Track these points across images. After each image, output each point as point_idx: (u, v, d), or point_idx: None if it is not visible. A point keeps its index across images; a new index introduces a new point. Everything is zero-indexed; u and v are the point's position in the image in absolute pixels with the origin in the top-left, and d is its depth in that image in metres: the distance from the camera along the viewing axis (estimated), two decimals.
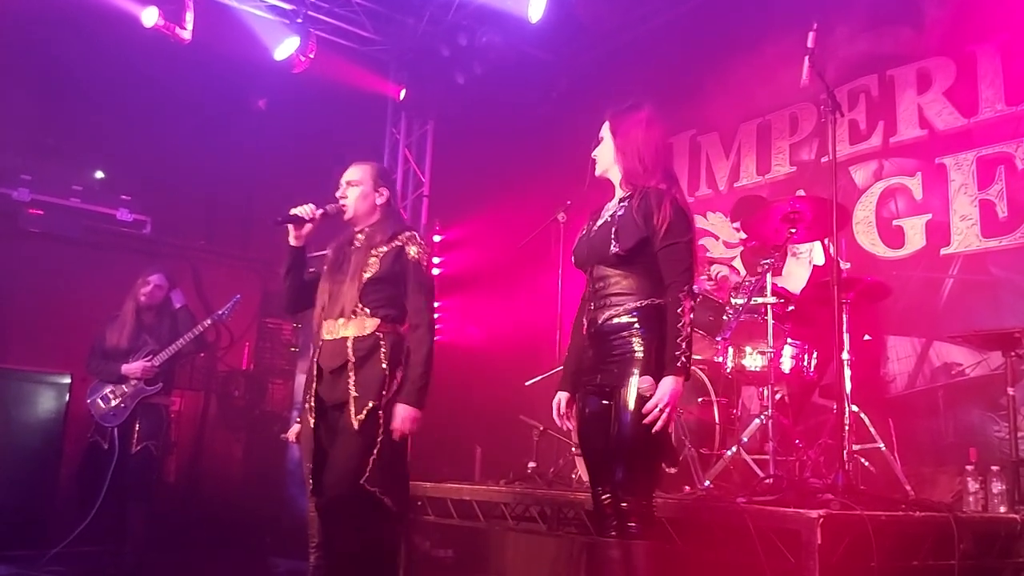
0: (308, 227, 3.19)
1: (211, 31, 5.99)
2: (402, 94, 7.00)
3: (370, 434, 2.96)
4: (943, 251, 4.71)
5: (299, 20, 6.27)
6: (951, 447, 4.31)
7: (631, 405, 2.53)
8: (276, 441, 7.11)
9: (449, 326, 7.43)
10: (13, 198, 6.17)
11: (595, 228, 2.80)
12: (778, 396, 3.91)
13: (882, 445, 3.81)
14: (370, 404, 2.96)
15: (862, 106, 5.23)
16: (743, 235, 4.95)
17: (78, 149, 6.52)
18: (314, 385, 3.10)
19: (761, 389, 4.07)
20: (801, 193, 5.10)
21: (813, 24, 3.87)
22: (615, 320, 2.65)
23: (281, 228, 3.24)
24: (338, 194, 3.26)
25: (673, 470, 3.77)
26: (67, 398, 6.04)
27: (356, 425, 2.95)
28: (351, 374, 3.01)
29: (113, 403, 4.80)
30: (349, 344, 3.04)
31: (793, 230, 3.95)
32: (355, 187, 3.23)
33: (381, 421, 2.97)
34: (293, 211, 3.17)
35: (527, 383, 5.09)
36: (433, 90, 6.95)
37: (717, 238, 5.85)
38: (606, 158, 2.82)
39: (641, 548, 2.51)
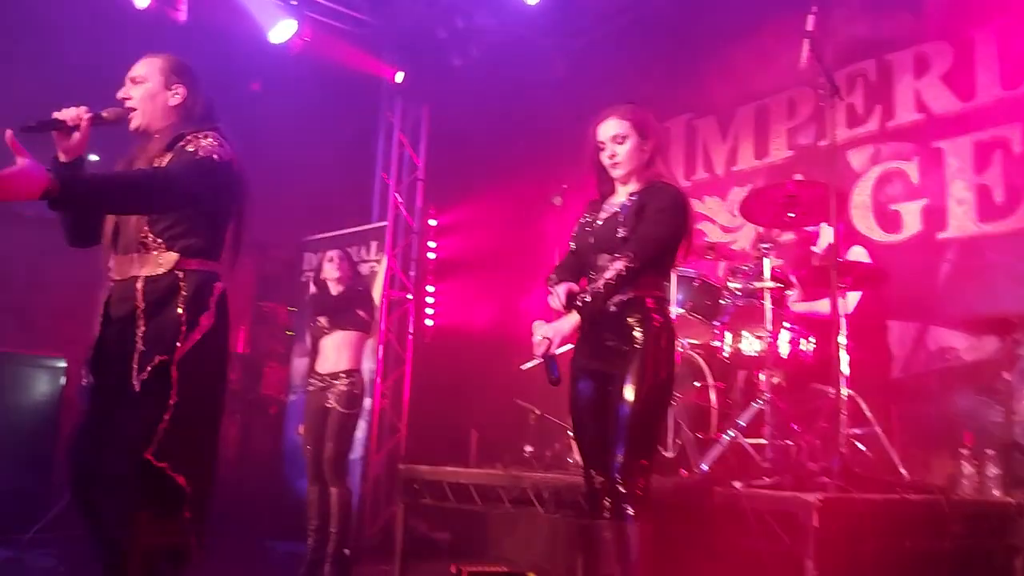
0: (76, 136, 2.49)
1: (206, 12, 5.94)
2: (399, 76, 6.96)
3: (158, 395, 2.36)
4: (939, 236, 4.71)
5: (294, 2, 6.22)
6: (946, 431, 4.32)
7: (630, 394, 2.59)
8: (272, 424, 7.13)
9: (445, 310, 7.43)
10: None
11: (600, 219, 2.84)
12: (775, 381, 3.92)
13: (878, 429, 3.82)
14: (157, 359, 2.37)
15: (860, 90, 5.22)
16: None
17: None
18: (97, 336, 2.52)
19: (758, 373, 4.08)
20: (799, 177, 5.09)
21: (813, 7, 3.85)
22: (614, 308, 2.70)
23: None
24: (120, 94, 2.62)
25: (670, 454, 3.78)
26: (62, 381, 6.05)
27: (138, 385, 2.37)
28: (139, 324, 2.42)
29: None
30: (139, 286, 2.45)
31: (791, 214, 3.95)
32: (139, 85, 2.60)
33: (174, 379, 2.37)
34: (55, 115, 2.48)
35: (523, 367, 5.09)
36: (429, 73, 6.91)
37: (714, 222, 5.84)
38: (634, 158, 2.82)
39: (636, 530, 2.54)
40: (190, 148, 2.48)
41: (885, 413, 4.09)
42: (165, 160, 2.49)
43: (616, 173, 2.85)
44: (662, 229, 2.71)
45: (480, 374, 6.71)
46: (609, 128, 2.84)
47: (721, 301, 4.13)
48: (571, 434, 4.22)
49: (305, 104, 6.67)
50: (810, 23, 3.80)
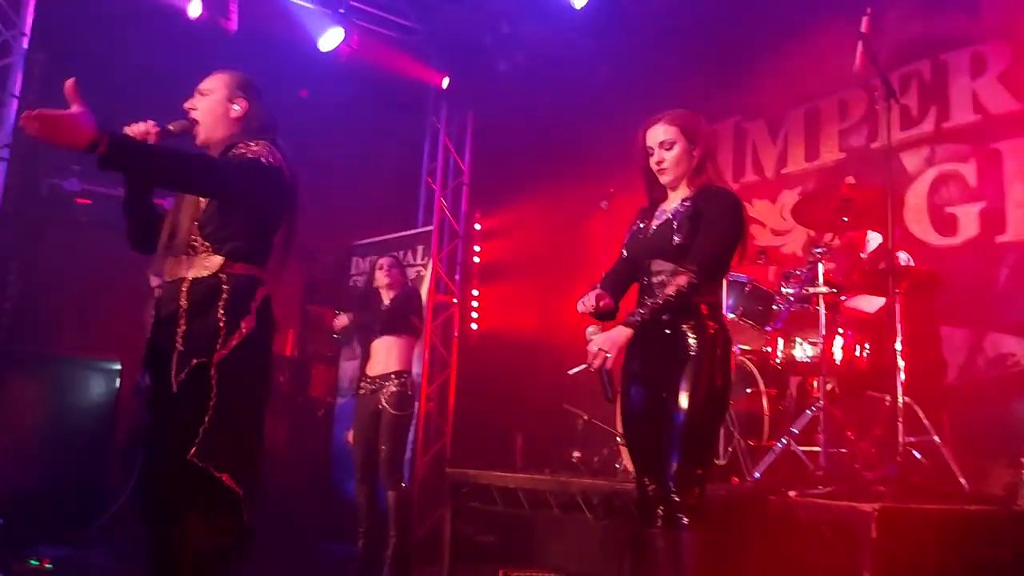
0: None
1: (256, 21, 6.03)
2: (445, 82, 6.99)
3: (198, 397, 2.40)
4: (998, 239, 4.61)
5: (341, 11, 6.29)
6: (1005, 439, 4.21)
7: (685, 402, 2.57)
8: (320, 426, 7.21)
9: (490, 314, 7.45)
10: (64, 188, 6.28)
11: (653, 226, 2.82)
12: (829, 387, 3.86)
13: (936, 437, 3.74)
14: (194, 362, 2.40)
15: (914, 91, 5.12)
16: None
17: None
18: (148, 337, 2.57)
19: (811, 380, 4.02)
20: (851, 180, 5.01)
21: (867, 8, 3.79)
22: (667, 316, 2.68)
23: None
24: (186, 104, 2.72)
25: (722, 461, 3.75)
26: (117, 384, 6.18)
27: (175, 386, 2.41)
28: (180, 325, 2.46)
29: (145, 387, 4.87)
30: (184, 287, 2.50)
31: (845, 218, 3.89)
32: (205, 96, 2.70)
33: (213, 381, 2.40)
34: (126, 129, 2.56)
35: (570, 372, 5.07)
36: (474, 79, 6.93)
37: (764, 225, 5.77)
38: (681, 164, 2.79)
39: (690, 540, 2.52)
40: (242, 152, 2.55)
41: (941, 421, 4.00)
42: None
43: (664, 179, 2.83)
44: (722, 240, 2.69)
45: (525, 378, 6.71)
46: (657, 134, 2.82)
47: (773, 306, 4.08)
48: (620, 440, 4.20)
49: (352, 110, 6.74)
50: (864, 25, 3.74)
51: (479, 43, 6.52)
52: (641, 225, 2.89)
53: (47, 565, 4.42)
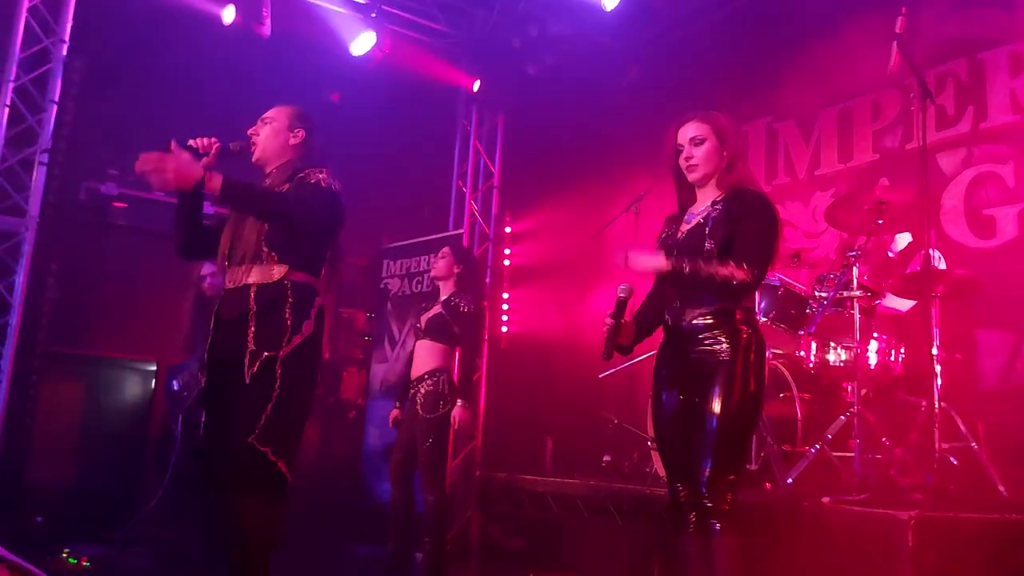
0: (205, 161, 2.85)
1: (288, 26, 6.09)
2: (476, 85, 7.01)
3: (265, 387, 2.65)
4: None
5: (373, 15, 6.33)
6: None
7: (718, 407, 2.55)
8: (350, 428, 7.26)
9: (520, 317, 7.45)
10: (101, 192, 6.39)
11: (683, 231, 2.79)
12: (863, 392, 3.81)
13: (973, 443, 3.67)
14: (264, 355, 2.67)
15: (950, 91, 5.04)
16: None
17: (162, 144, 6.71)
18: (210, 338, 2.83)
19: (846, 385, 3.97)
20: (885, 182, 4.95)
21: (902, 8, 3.74)
22: (700, 320, 2.66)
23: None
24: (250, 130, 3.01)
25: (754, 467, 3.71)
26: (153, 384, 6.27)
27: (248, 378, 2.66)
28: (251, 325, 2.71)
29: (176, 389, 4.93)
30: (252, 292, 2.75)
31: (880, 221, 3.84)
32: (268, 124, 2.99)
33: (278, 374, 2.66)
34: (190, 142, 2.85)
35: (601, 375, 5.07)
36: (504, 81, 6.94)
37: (796, 228, 5.71)
38: (711, 161, 2.77)
39: (723, 546, 2.50)
40: (311, 180, 2.83)
41: (979, 427, 3.92)
42: (286, 187, 2.85)
43: (693, 176, 2.79)
44: (764, 241, 2.64)
45: (555, 381, 6.70)
46: (687, 131, 2.80)
47: (807, 310, 4.04)
48: (651, 444, 4.18)
49: (383, 114, 6.78)
50: (899, 25, 3.69)
51: (509, 46, 6.52)
52: (669, 232, 2.86)
53: (85, 563, 4.49)
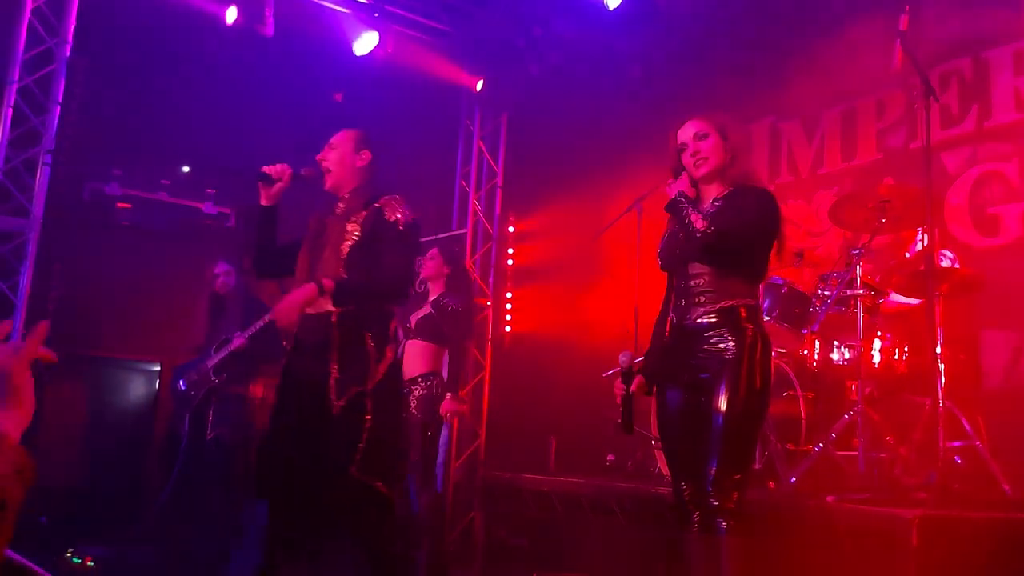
0: (278, 186, 3.02)
1: (291, 26, 6.09)
2: (479, 85, 7.00)
3: (356, 419, 2.75)
4: None
5: (376, 15, 6.33)
6: None
7: (724, 405, 2.53)
8: None
9: (523, 316, 7.44)
10: (105, 192, 6.40)
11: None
12: (867, 391, 3.80)
13: (978, 442, 3.67)
14: (353, 390, 2.77)
15: (954, 89, 5.03)
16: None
17: (165, 144, 6.73)
18: (288, 360, 2.94)
19: (849, 383, 3.97)
20: (889, 181, 4.93)
21: (905, 6, 3.73)
22: (705, 319, 2.65)
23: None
24: (318, 156, 3.13)
25: (758, 466, 3.70)
26: (157, 384, 6.28)
27: (336, 410, 2.76)
28: (334, 352, 2.81)
29: (183, 389, 4.93)
30: (333, 320, 2.83)
31: (883, 219, 3.83)
32: (335, 150, 3.11)
33: (369, 407, 2.77)
34: (264, 169, 3.02)
35: (604, 375, 5.06)
36: (507, 81, 6.93)
37: (799, 227, 5.70)
38: (717, 154, 2.76)
39: (730, 545, 2.49)
40: (389, 218, 2.93)
41: (984, 426, 3.91)
42: (364, 214, 2.95)
43: (701, 170, 2.78)
44: (744, 218, 2.63)
45: (559, 380, 6.70)
46: (689, 129, 2.80)
47: (810, 309, 4.03)
48: (655, 443, 4.18)
49: (386, 113, 6.78)
50: (902, 22, 3.69)
51: (512, 46, 6.51)
52: (673, 229, 2.85)
53: (89, 563, 4.50)
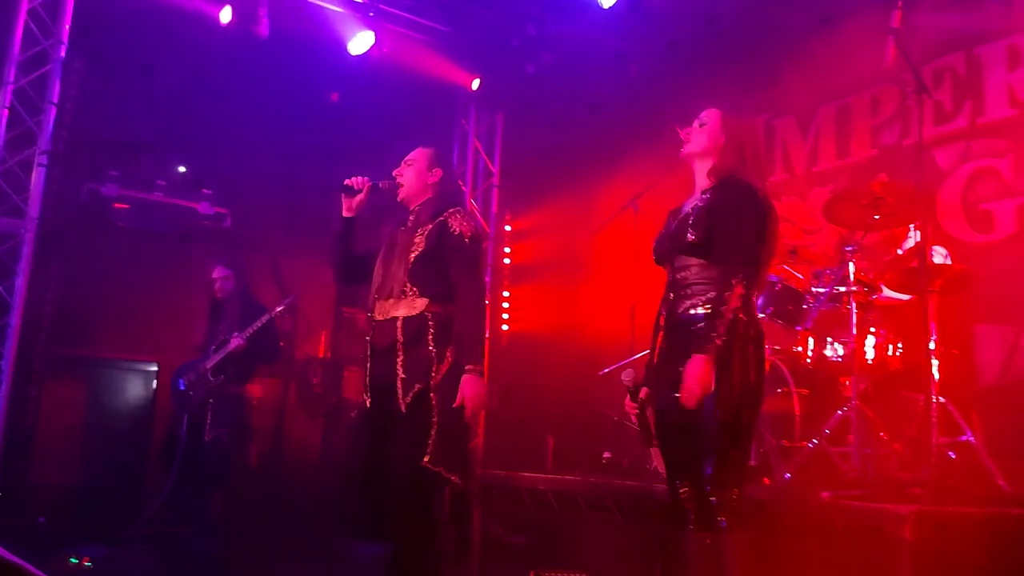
0: (358, 197, 3.29)
1: (286, 26, 6.09)
2: (475, 84, 7.01)
3: (423, 415, 2.95)
4: None
5: (371, 14, 6.33)
6: None
7: (719, 402, 2.49)
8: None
9: (521, 315, 7.46)
10: (102, 193, 6.41)
11: (675, 222, 2.78)
12: (861, 387, 3.81)
13: (972, 438, 3.68)
14: (416, 387, 2.97)
15: (947, 85, 5.05)
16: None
17: (162, 145, 6.74)
18: (367, 366, 3.15)
19: (843, 380, 3.98)
20: (883, 178, 4.95)
21: (898, 2, 3.74)
22: (694, 311, 2.61)
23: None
24: (396, 171, 3.34)
25: (753, 462, 3.72)
26: (155, 385, 6.29)
27: (403, 407, 2.97)
28: (399, 355, 3.02)
29: (182, 389, 4.94)
30: (398, 324, 3.05)
31: (877, 216, 3.84)
32: (410, 166, 3.31)
33: (434, 403, 2.96)
34: (346, 181, 3.30)
35: (601, 372, 5.07)
36: (503, 80, 6.94)
37: (794, 224, 5.72)
38: (705, 143, 2.76)
39: (729, 542, 2.46)
40: (454, 231, 3.13)
41: (978, 421, 3.93)
42: (429, 227, 3.16)
43: (682, 152, 2.80)
44: (744, 230, 2.57)
45: (556, 378, 6.71)
46: (700, 112, 2.81)
47: (804, 305, 4.04)
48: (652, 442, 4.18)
49: (382, 113, 6.79)
50: (895, 19, 3.70)
51: (508, 45, 6.52)
52: (667, 226, 2.85)
53: (86, 563, 4.50)
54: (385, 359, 3.05)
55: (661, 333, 2.76)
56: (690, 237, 2.62)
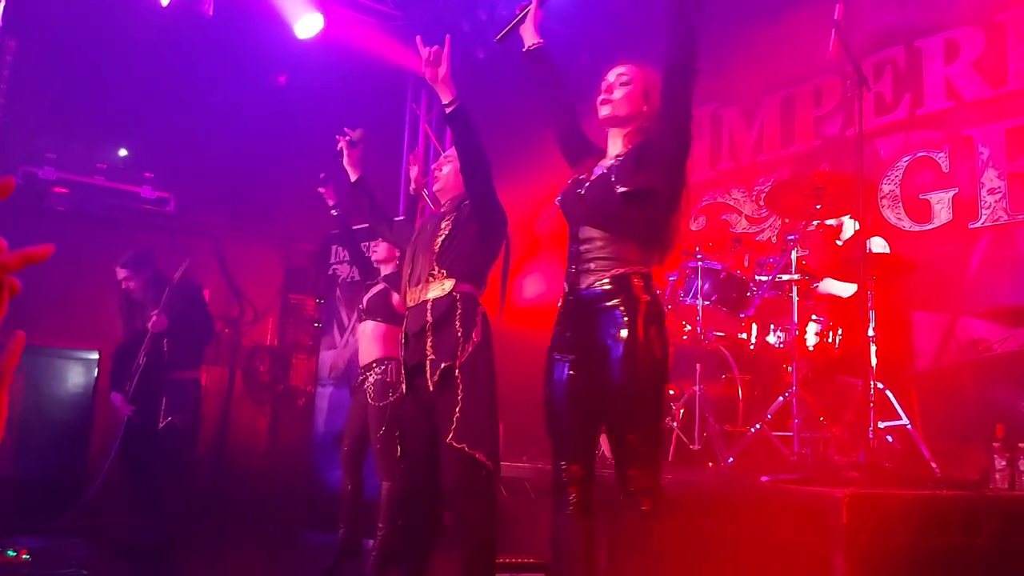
0: (358, 150, 3.74)
1: (232, 7, 5.97)
2: None
3: (449, 393, 2.94)
4: (971, 225, 4.65)
5: None
6: (978, 424, 4.26)
7: (626, 381, 2.37)
8: (300, 415, 7.21)
9: None
10: (39, 177, 6.22)
11: (588, 184, 2.58)
12: (801, 373, 3.90)
13: (907, 422, 3.79)
14: (443, 365, 2.95)
15: (888, 77, 5.15)
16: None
17: (101, 127, 6.56)
18: (403, 354, 3.17)
19: (785, 366, 4.06)
20: (825, 168, 5.05)
21: None
22: (598, 286, 2.46)
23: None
24: (433, 165, 3.54)
25: (696, 447, 3.78)
26: (95, 373, 6.15)
27: (431, 386, 2.96)
28: (429, 336, 3.02)
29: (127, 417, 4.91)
30: (428, 306, 3.05)
31: (818, 206, 3.92)
32: (450, 163, 3.40)
33: (459, 380, 2.94)
34: (340, 139, 3.70)
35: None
36: (453, 66, 6.88)
37: (740, 213, 5.80)
38: (630, 106, 2.62)
39: (652, 527, 2.39)
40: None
41: (915, 406, 4.05)
42: (454, 215, 3.22)
43: (603, 113, 2.62)
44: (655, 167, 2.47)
45: (504, 367, 6.71)
46: (617, 68, 2.65)
47: (747, 293, 4.11)
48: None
49: (331, 96, 6.70)
50: (838, 12, 3.75)
51: (458, 30, 6.48)
52: (573, 183, 2.65)
53: (24, 556, 4.40)
54: (417, 341, 3.09)
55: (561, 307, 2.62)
56: (621, 190, 2.44)
